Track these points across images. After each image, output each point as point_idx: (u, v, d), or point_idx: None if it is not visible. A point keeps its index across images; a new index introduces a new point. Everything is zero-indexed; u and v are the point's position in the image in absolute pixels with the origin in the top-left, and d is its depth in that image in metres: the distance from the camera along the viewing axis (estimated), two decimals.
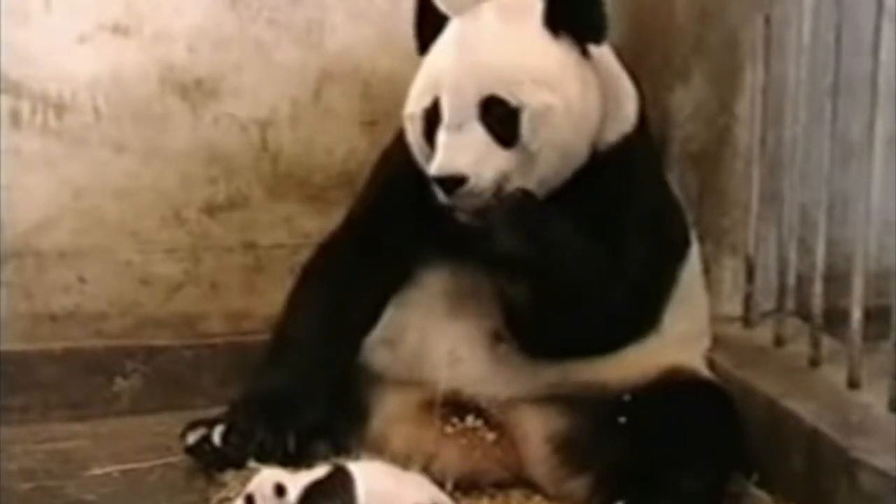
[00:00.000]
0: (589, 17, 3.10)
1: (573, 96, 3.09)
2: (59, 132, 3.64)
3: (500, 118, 3.06)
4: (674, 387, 3.20)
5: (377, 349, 3.32)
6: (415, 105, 3.19)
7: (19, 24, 3.57)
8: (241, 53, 3.72)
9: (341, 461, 2.91)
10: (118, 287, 3.73)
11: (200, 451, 3.22)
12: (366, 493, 2.81)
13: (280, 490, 2.84)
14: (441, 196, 3.07)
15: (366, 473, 2.85)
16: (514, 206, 3.04)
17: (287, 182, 3.79)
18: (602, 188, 3.13)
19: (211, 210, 3.76)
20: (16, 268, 3.65)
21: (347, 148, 3.79)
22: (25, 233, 3.65)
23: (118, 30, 3.65)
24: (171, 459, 3.35)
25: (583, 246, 3.10)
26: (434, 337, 3.28)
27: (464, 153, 3.05)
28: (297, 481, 2.85)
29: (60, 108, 3.64)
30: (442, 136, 3.08)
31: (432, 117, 3.13)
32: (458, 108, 3.08)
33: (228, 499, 3.11)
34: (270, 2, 3.72)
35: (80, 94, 3.64)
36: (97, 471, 3.33)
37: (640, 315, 3.23)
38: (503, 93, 3.07)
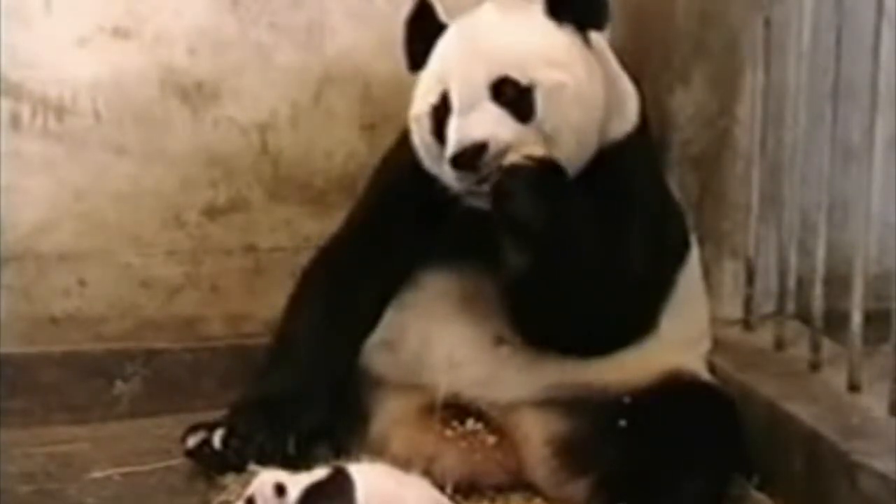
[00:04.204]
0: (590, 3, 3.10)
1: (582, 76, 3.08)
2: (59, 135, 3.64)
3: (513, 98, 3.04)
4: (674, 390, 3.19)
5: (378, 352, 3.32)
6: (421, 104, 3.16)
7: (20, 26, 3.57)
8: (241, 56, 3.72)
9: (342, 463, 2.91)
10: (118, 290, 3.73)
11: (200, 455, 3.22)
12: (366, 496, 2.82)
13: (280, 490, 2.84)
14: (459, 182, 3.03)
15: (366, 476, 2.86)
16: (539, 172, 3.01)
17: (287, 185, 3.79)
18: (603, 186, 3.12)
19: (211, 213, 3.76)
20: (16, 270, 3.65)
21: (347, 151, 3.79)
22: (25, 235, 3.65)
23: (118, 32, 3.65)
24: (172, 462, 3.35)
25: (594, 230, 3.09)
26: (434, 340, 3.28)
27: (478, 126, 3.01)
28: (298, 482, 2.85)
29: (61, 111, 3.64)
30: (453, 121, 3.04)
31: (441, 112, 3.09)
32: (469, 94, 3.05)
33: (229, 502, 3.11)
34: (271, 5, 3.72)
35: (81, 96, 3.64)
36: (97, 474, 3.33)
37: (636, 314, 3.22)
38: (514, 73, 3.05)
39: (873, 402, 3.15)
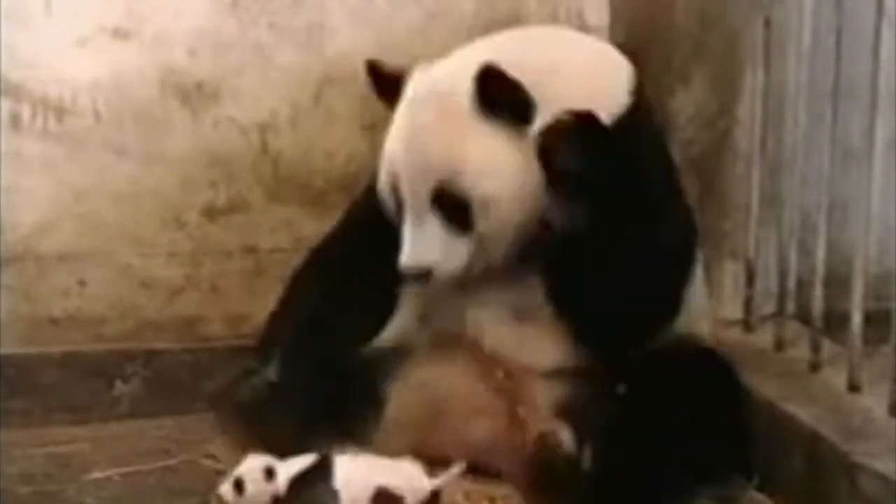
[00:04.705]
0: (512, 101, 3.07)
1: (514, 181, 3.09)
2: (59, 135, 3.64)
3: (452, 209, 3.10)
4: (677, 355, 3.19)
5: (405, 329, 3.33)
6: (384, 182, 3.22)
7: (20, 26, 3.57)
8: (241, 57, 3.72)
9: (329, 451, 2.99)
10: (118, 290, 3.73)
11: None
12: (344, 484, 2.92)
13: (269, 473, 2.95)
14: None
15: (347, 465, 2.95)
16: (580, 126, 3.04)
17: (287, 186, 3.79)
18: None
19: (211, 213, 3.76)
20: (16, 271, 3.65)
21: (348, 151, 3.79)
22: (25, 236, 3.65)
23: (118, 33, 3.65)
24: (171, 463, 3.36)
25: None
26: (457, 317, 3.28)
27: (427, 247, 3.10)
28: (287, 468, 2.96)
29: (61, 112, 3.64)
30: (406, 230, 3.13)
31: (398, 196, 3.17)
32: (414, 200, 3.12)
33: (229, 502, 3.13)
34: (271, 5, 3.72)
35: (81, 97, 3.64)
36: (97, 474, 3.33)
37: (672, 293, 3.24)
38: (450, 185, 3.09)
39: (873, 402, 3.15)
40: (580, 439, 3.13)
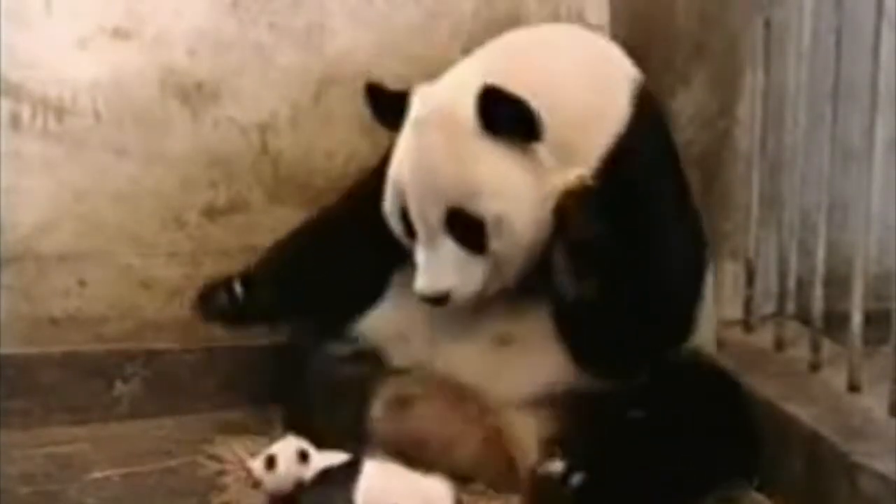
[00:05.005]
0: (516, 119, 3.05)
1: (524, 199, 3.08)
2: (59, 135, 3.64)
3: (465, 230, 3.09)
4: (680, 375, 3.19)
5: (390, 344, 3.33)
6: (390, 206, 3.21)
7: (20, 27, 3.57)
8: (241, 57, 3.72)
9: (361, 456, 3.00)
10: (118, 290, 3.73)
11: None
12: (365, 489, 2.89)
13: (304, 456, 2.99)
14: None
15: (374, 471, 2.93)
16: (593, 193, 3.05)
17: (287, 186, 3.79)
18: (613, 197, 3.10)
19: (211, 214, 3.76)
20: (16, 271, 3.65)
21: (348, 152, 3.79)
22: (26, 236, 3.65)
23: (118, 33, 3.65)
24: (171, 463, 3.36)
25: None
26: (437, 340, 3.28)
27: (444, 271, 3.11)
28: (321, 458, 3.00)
29: (61, 112, 3.64)
30: (420, 256, 3.13)
31: (406, 218, 3.17)
32: (426, 224, 3.12)
33: (229, 502, 3.12)
34: (271, 5, 3.72)
35: (81, 97, 3.64)
36: (97, 474, 3.34)
37: (687, 313, 3.25)
38: (463, 206, 3.08)
39: (873, 402, 3.16)
40: (572, 462, 3.09)
